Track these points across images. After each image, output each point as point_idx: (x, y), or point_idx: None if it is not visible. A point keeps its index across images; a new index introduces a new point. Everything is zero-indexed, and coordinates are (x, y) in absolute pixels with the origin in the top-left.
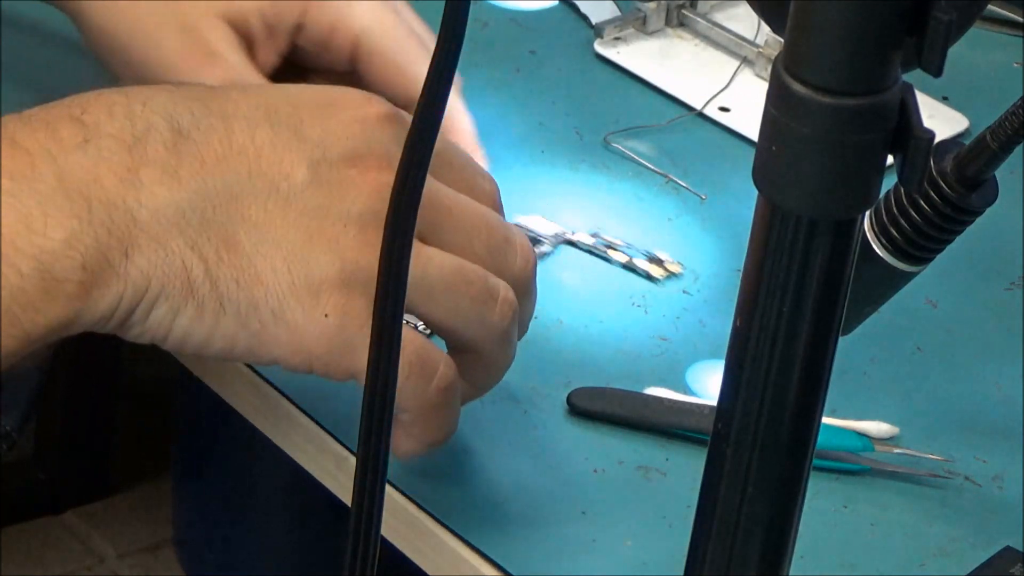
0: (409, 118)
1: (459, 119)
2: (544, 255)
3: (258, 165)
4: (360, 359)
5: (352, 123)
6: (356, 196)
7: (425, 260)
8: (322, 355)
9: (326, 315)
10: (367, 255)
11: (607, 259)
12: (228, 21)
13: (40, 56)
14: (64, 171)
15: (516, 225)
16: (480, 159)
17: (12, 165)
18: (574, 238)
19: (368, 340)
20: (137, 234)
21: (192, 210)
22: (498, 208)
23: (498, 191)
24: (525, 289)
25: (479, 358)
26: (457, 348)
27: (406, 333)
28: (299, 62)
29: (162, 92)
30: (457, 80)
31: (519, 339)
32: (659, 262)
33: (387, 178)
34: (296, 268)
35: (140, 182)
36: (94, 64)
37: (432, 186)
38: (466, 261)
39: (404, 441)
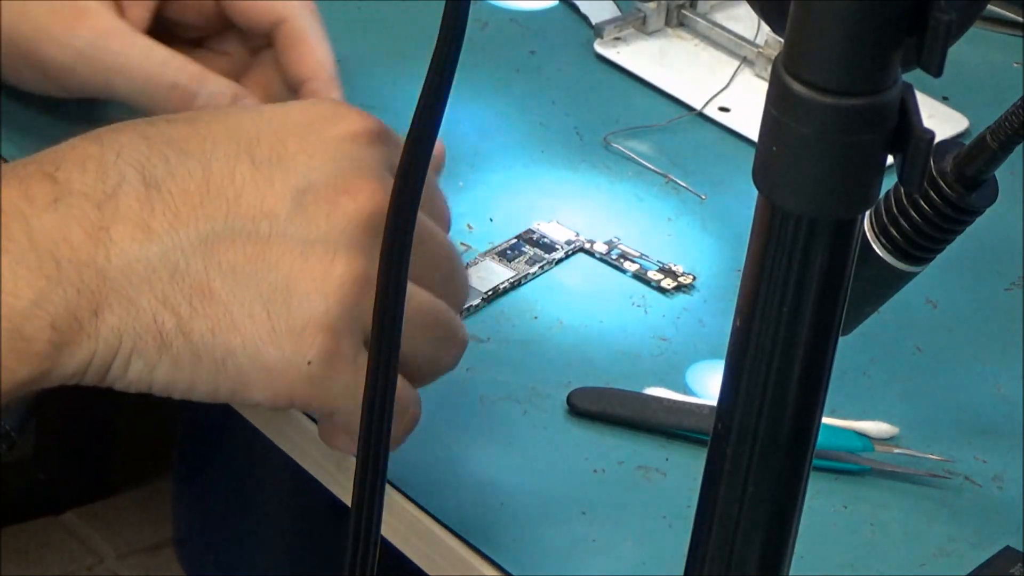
0: (396, 134)
1: (315, 48)
2: (557, 261)
3: (237, 207)
4: (345, 395)
5: (340, 143)
6: (345, 225)
7: (407, 297)
8: (304, 398)
9: (309, 362)
10: (355, 291)
11: (620, 269)
12: None
13: None
14: (34, 231)
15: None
16: (336, 94)
17: None
18: (590, 247)
19: (356, 377)
20: (107, 292)
21: (163, 264)
22: (448, 226)
23: (448, 209)
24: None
25: (416, 386)
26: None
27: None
28: (170, 19)
29: (139, 140)
30: (313, 8)
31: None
32: (671, 273)
33: (378, 203)
34: (277, 312)
35: (110, 239)
36: None
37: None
38: (439, 301)
39: (343, 439)
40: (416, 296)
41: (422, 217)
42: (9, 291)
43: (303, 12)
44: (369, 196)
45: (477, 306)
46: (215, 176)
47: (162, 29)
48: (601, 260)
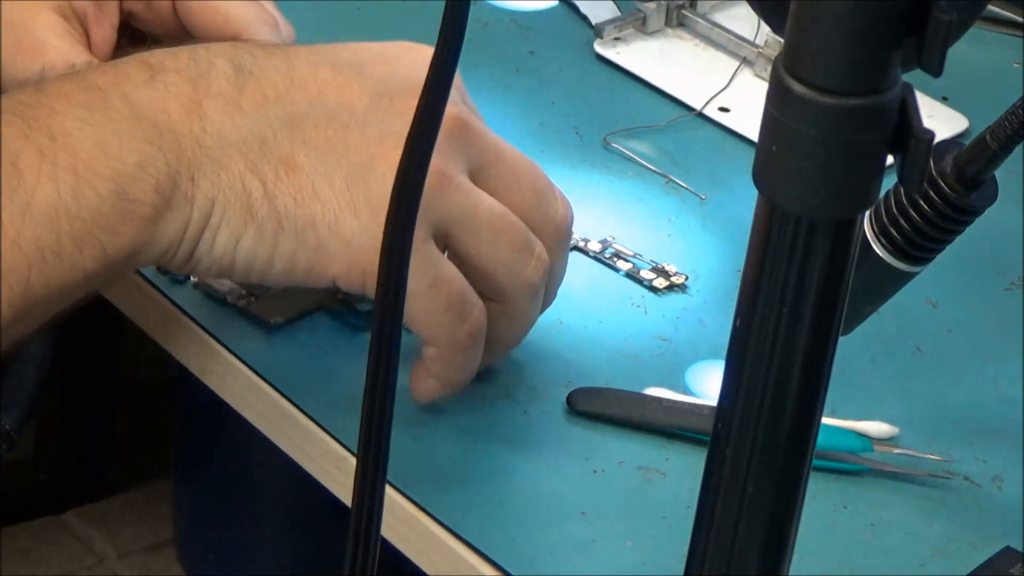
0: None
1: None
2: None
3: (320, 96)
4: (412, 278)
5: (414, 64)
6: None
7: (476, 200)
8: (375, 271)
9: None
10: (428, 182)
11: (613, 267)
12: (54, 10)
13: None
14: (134, 103)
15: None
16: (288, 36)
17: (87, 98)
18: (583, 246)
19: (424, 261)
20: (202, 159)
21: (253, 136)
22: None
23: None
24: (561, 241)
25: (506, 309)
26: (486, 295)
27: (451, 271)
28: (139, 29)
29: (226, 45)
30: (272, 22)
31: (547, 304)
32: (664, 273)
33: (452, 113)
34: (355, 186)
35: (204, 112)
36: None
37: (481, 129)
38: (510, 212)
39: (423, 380)
40: (485, 201)
41: (493, 134)
42: (115, 156)
43: (261, 28)
44: (447, 121)
45: None
46: (298, 73)
47: (137, 37)
48: (595, 259)
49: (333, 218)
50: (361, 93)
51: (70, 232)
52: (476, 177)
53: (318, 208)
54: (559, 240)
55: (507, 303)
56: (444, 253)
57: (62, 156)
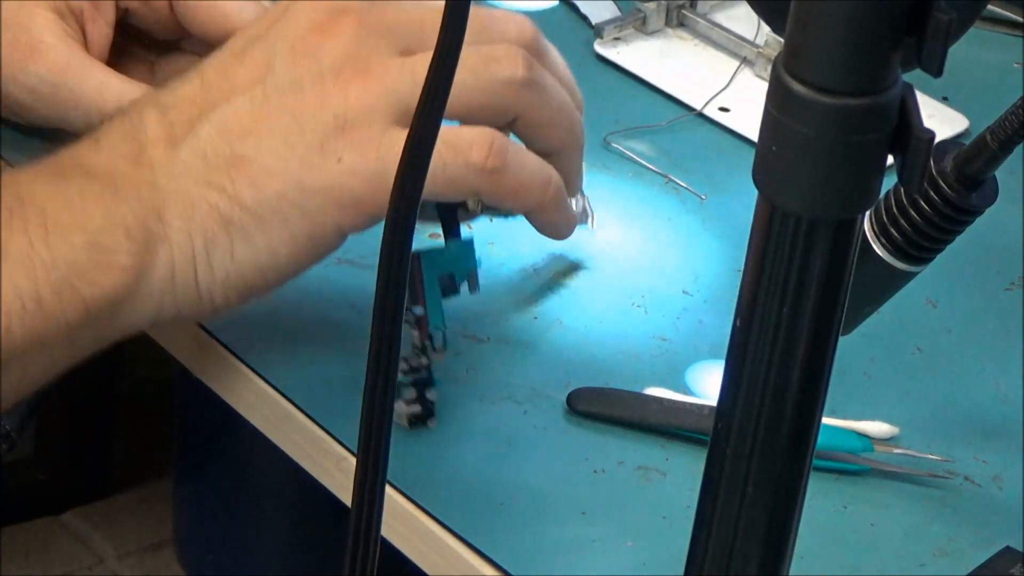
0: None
1: None
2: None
3: (233, 88)
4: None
5: (292, 10)
6: (327, 51)
7: (416, 64)
8: (368, 194)
9: (339, 159)
10: (352, 92)
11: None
12: (51, 9)
13: None
14: (89, 168)
15: None
16: None
17: (49, 169)
18: None
19: (392, 146)
20: (162, 197)
21: (194, 157)
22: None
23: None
24: (533, 45)
25: (541, 128)
26: (520, 132)
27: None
28: (136, 27)
29: (146, 93)
30: None
31: (577, 119)
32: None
33: (354, 27)
34: (295, 142)
35: (149, 159)
36: None
37: (389, 12)
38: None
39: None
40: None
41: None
42: (80, 211)
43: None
44: (344, 23)
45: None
46: (209, 79)
47: (134, 36)
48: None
49: (296, 183)
50: (262, 63)
51: (48, 281)
52: (415, 50)
53: (279, 183)
54: (531, 44)
55: (519, 109)
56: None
57: (31, 213)
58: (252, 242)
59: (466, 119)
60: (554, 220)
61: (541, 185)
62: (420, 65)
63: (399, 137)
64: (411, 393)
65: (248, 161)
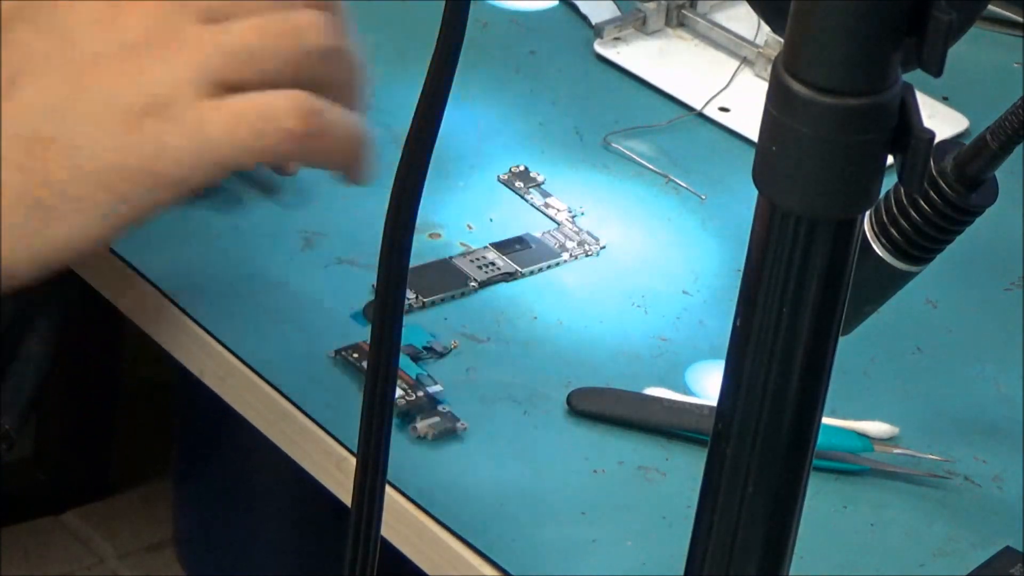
0: None
1: None
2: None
3: (13, 81)
4: (211, 112)
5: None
6: (130, 23)
7: (221, 34)
8: (183, 172)
9: (152, 138)
10: (158, 66)
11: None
12: None
13: None
14: None
15: None
16: None
17: None
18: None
19: (205, 129)
20: None
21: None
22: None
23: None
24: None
25: (333, 85)
26: (314, 86)
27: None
28: None
29: None
30: None
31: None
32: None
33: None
34: (104, 119)
35: None
36: None
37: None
38: (252, 19)
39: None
40: (233, 28)
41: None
42: None
43: None
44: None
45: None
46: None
47: None
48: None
49: (101, 152)
50: (32, 41)
51: None
52: (219, 21)
53: (83, 159)
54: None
55: (322, 76)
56: None
57: None
58: (78, 217)
59: (272, 86)
60: (365, 169)
61: (355, 142)
62: (227, 34)
63: (211, 110)
64: (421, 413)
65: (55, 141)
